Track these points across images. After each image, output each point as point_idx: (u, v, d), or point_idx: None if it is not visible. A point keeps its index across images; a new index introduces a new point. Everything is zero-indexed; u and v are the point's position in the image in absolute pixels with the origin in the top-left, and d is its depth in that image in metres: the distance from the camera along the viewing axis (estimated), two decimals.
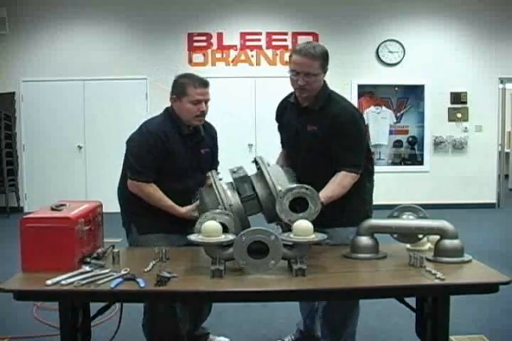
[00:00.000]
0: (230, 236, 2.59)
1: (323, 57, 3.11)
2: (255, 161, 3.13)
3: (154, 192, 3.19)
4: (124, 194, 3.36)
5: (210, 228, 2.59)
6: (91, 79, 9.73)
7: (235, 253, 2.51)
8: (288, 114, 3.37)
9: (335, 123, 3.09)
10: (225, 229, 2.65)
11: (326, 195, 2.96)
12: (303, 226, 2.60)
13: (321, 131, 3.12)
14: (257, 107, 9.84)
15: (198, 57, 9.89)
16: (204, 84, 3.31)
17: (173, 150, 3.22)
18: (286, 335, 3.78)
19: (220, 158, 3.69)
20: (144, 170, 3.21)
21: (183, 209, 3.17)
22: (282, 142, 3.53)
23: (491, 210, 9.94)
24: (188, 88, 3.28)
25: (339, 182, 3.05)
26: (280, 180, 2.90)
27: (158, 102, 9.76)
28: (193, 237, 2.60)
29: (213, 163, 3.54)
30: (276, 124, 3.59)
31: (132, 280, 2.44)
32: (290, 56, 3.16)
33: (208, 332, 3.69)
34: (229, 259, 2.57)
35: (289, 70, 3.16)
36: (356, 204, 3.20)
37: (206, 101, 3.32)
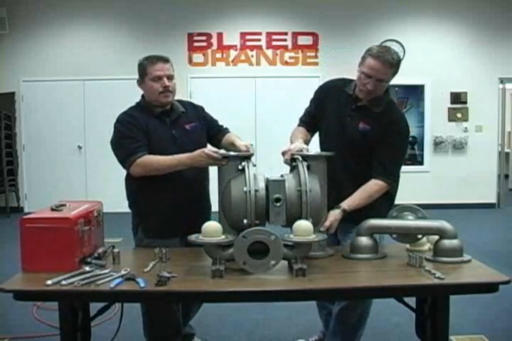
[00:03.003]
0: (230, 237, 2.59)
1: (398, 66, 3.15)
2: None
3: (155, 157, 3.10)
4: (131, 195, 3.37)
5: (211, 228, 2.60)
6: (91, 79, 9.75)
7: (236, 254, 2.51)
8: (335, 102, 3.30)
9: (389, 131, 3.16)
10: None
11: (353, 203, 3.04)
12: (303, 227, 2.60)
13: (372, 133, 3.17)
14: (257, 107, 9.85)
15: (198, 57, 9.90)
16: (161, 59, 3.24)
17: (147, 130, 3.18)
18: (311, 336, 3.78)
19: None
20: (132, 148, 3.14)
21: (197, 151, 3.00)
22: (306, 122, 3.49)
23: (491, 210, 9.95)
24: (147, 67, 3.25)
25: (369, 191, 3.11)
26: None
27: None
28: (193, 237, 2.60)
29: (218, 131, 3.49)
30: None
31: (132, 281, 2.44)
32: (364, 57, 3.17)
33: (194, 333, 3.66)
34: (229, 259, 2.57)
35: (359, 69, 3.18)
36: (384, 199, 3.22)
37: (169, 77, 3.23)
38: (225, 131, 3.51)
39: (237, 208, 2.74)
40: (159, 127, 3.23)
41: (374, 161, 3.16)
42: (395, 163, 3.21)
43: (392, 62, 3.09)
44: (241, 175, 2.79)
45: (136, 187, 3.30)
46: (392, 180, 3.17)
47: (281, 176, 2.85)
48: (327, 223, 2.93)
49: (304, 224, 2.62)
